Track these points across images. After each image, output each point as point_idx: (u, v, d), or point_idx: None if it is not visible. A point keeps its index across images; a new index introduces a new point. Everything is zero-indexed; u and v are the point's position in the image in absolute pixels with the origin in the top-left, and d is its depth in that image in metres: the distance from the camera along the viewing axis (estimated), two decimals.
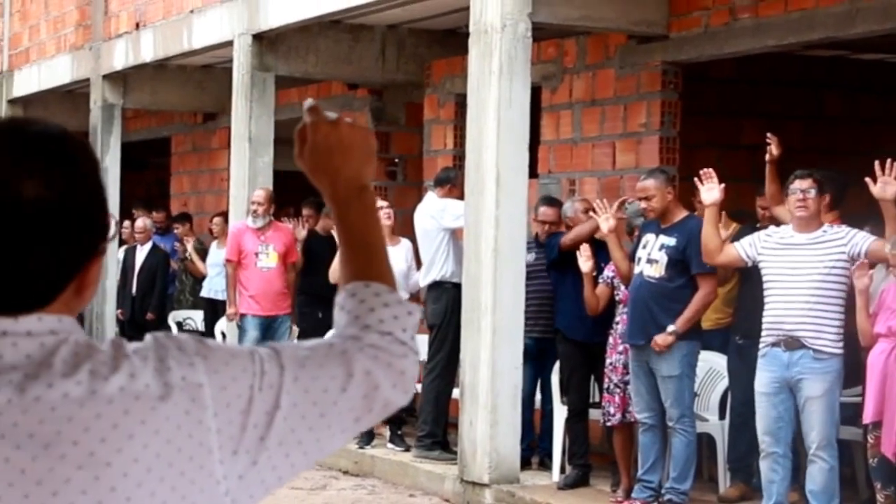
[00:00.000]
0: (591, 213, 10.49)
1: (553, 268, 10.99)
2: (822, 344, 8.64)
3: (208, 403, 1.93)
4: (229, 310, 13.78)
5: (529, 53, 10.92)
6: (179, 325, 16.72)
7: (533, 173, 11.97)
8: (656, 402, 9.60)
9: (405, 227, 12.73)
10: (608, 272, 10.33)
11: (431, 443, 12.05)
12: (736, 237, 9.55)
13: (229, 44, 14.85)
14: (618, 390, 10.11)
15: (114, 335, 14.12)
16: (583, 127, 12.59)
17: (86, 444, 1.85)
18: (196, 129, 19.74)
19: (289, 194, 15.11)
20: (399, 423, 12.70)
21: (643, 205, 9.75)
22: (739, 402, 9.84)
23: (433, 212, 12.13)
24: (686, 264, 9.46)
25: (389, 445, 12.58)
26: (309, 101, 2.25)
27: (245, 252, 13.58)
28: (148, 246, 16.96)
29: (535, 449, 11.65)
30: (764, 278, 8.95)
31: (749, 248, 9.01)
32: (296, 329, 13.81)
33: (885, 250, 8.46)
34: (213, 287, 15.85)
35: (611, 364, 10.17)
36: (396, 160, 15.72)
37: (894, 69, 13.45)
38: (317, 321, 13.76)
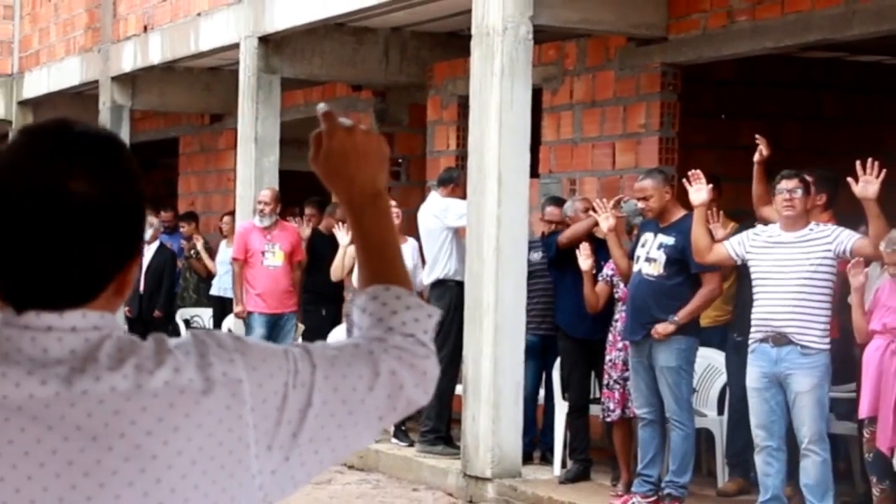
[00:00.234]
0: (590, 212, 10.51)
1: (553, 266, 11.02)
2: (808, 340, 8.69)
3: (247, 399, 1.96)
4: (236, 308, 13.80)
5: (530, 56, 10.94)
6: (187, 322, 16.75)
7: (534, 173, 12.00)
8: (655, 398, 9.62)
9: (409, 227, 12.75)
10: (608, 270, 10.35)
11: (435, 438, 12.07)
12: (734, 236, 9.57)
13: (236, 46, 14.87)
14: (617, 386, 10.14)
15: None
16: (583, 128, 12.61)
17: (132, 436, 1.87)
18: (203, 130, 19.77)
19: (293, 194, 15.12)
20: (403, 419, 12.70)
21: (641, 205, 9.77)
22: (737, 398, 9.86)
23: (436, 211, 12.16)
24: (684, 263, 9.48)
25: (394, 441, 12.60)
26: (322, 106, 2.26)
27: (252, 251, 13.61)
28: (155, 245, 16.99)
29: (537, 444, 11.68)
30: (752, 276, 9.02)
31: (738, 246, 9.07)
32: (301, 326, 13.83)
33: (879, 248, 8.51)
34: (222, 285, 15.88)
35: (610, 361, 10.20)
36: (400, 160, 15.74)
37: (891, 70, 13.45)
38: (320, 318, 13.79)
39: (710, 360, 10.51)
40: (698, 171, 9.33)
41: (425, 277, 12.29)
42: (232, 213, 16.12)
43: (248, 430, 1.95)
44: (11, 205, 1.90)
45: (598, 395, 10.68)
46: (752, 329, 8.94)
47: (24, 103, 21.29)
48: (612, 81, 12.31)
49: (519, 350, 10.85)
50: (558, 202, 11.49)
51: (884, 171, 8.53)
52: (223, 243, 16.42)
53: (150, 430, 1.88)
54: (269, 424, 1.98)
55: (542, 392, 11.63)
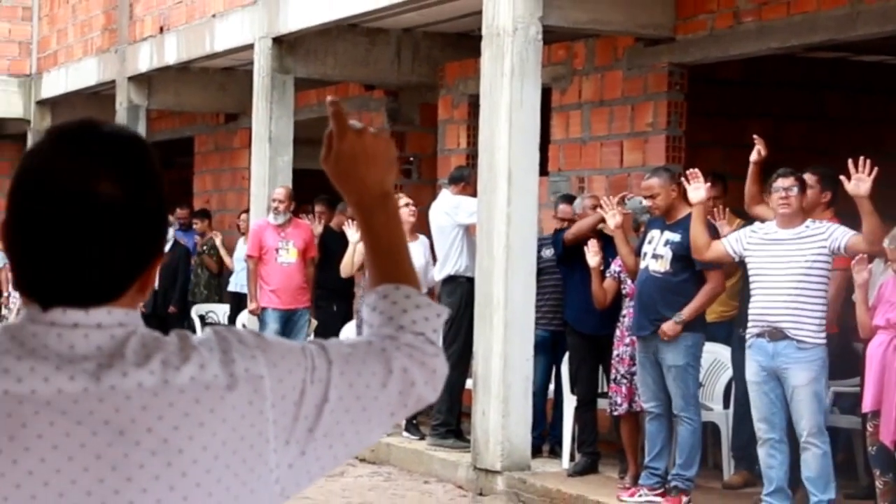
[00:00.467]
0: (597, 209, 10.50)
1: (561, 263, 11.02)
2: (804, 334, 8.73)
3: (268, 395, 1.97)
4: (250, 305, 13.82)
5: (540, 56, 10.95)
6: (202, 318, 16.77)
7: (543, 171, 12.00)
8: (662, 392, 9.62)
9: (420, 224, 12.76)
10: (615, 267, 10.36)
11: (445, 431, 12.08)
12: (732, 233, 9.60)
13: (250, 47, 14.89)
14: (625, 381, 10.14)
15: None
16: (592, 126, 12.62)
17: (159, 431, 1.89)
18: (218, 129, 19.79)
19: (307, 192, 15.14)
20: (414, 414, 12.72)
21: (647, 202, 9.79)
22: (743, 392, 9.84)
23: (448, 209, 12.17)
24: (691, 259, 9.48)
25: (405, 434, 12.62)
26: (331, 99, 2.27)
27: (266, 248, 13.64)
28: (169, 242, 17.05)
29: (546, 437, 11.69)
30: (749, 272, 9.07)
31: (735, 243, 9.11)
32: (314, 322, 13.84)
33: (873, 245, 8.57)
34: (239, 281, 15.88)
35: (618, 356, 10.20)
36: (411, 159, 15.77)
37: (895, 71, 13.45)
38: (332, 314, 13.81)
39: (716, 355, 10.51)
40: (696, 170, 9.38)
41: (436, 274, 12.30)
42: (249, 211, 16.15)
43: (268, 425, 1.97)
44: (38, 205, 1.91)
45: (605, 390, 10.69)
46: (749, 324, 9.00)
47: (42, 103, 21.33)
48: (620, 81, 12.32)
49: (528, 345, 10.86)
50: (570, 200, 11.49)
51: (876, 169, 8.54)
52: (241, 240, 16.45)
53: (176, 425, 1.90)
54: (288, 420, 2.00)
55: (551, 386, 11.63)
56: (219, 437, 1.92)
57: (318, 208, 15.00)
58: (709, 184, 9.36)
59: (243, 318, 14.74)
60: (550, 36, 11.43)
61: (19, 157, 2.03)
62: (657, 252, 9.61)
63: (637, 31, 11.79)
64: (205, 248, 17.57)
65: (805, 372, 8.72)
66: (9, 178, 2.00)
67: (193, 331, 2.13)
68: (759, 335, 8.92)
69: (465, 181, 12.14)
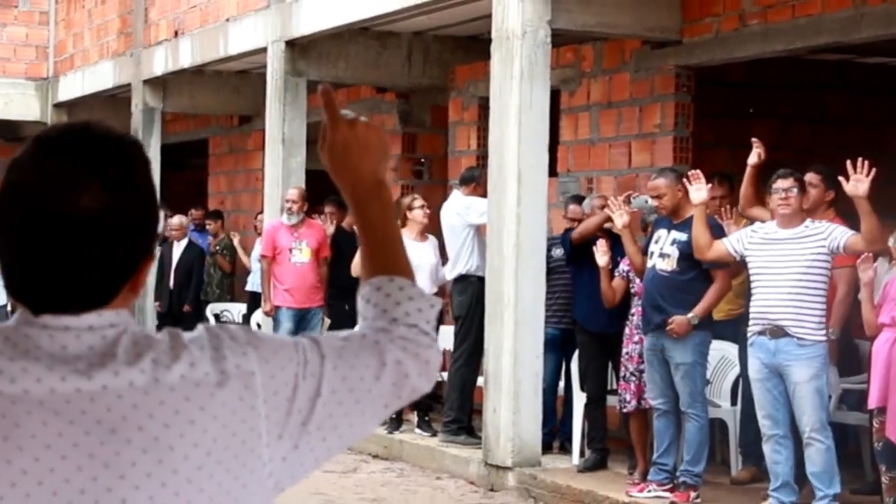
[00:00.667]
0: (605, 209, 10.50)
1: (570, 262, 11.03)
2: (804, 332, 8.76)
3: (259, 391, 1.97)
4: (264, 306, 13.83)
5: (549, 58, 10.95)
6: (217, 317, 16.80)
7: (553, 172, 12.00)
8: (670, 389, 9.63)
9: (431, 224, 12.77)
10: (624, 266, 10.36)
11: (457, 428, 12.09)
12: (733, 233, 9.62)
13: (263, 50, 14.91)
14: (634, 378, 10.14)
15: (151, 326, 14.23)
16: (600, 128, 12.62)
17: (150, 429, 1.88)
18: (232, 131, 19.80)
19: (319, 192, 15.15)
20: (426, 410, 12.75)
21: (654, 202, 9.80)
22: (750, 389, 9.86)
23: (459, 209, 12.18)
24: (697, 258, 9.49)
25: (417, 431, 12.63)
26: (321, 86, 2.27)
27: (280, 248, 13.66)
28: (184, 242, 17.12)
29: (556, 434, 11.69)
30: (750, 271, 9.12)
31: (736, 243, 9.15)
32: (327, 321, 13.86)
33: (871, 244, 8.60)
34: (256, 281, 15.90)
35: (627, 353, 10.20)
36: (423, 160, 15.78)
37: None
38: (344, 312, 13.81)
39: (724, 353, 10.51)
40: (698, 172, 9.44)
41: (448, 273, 12.32)
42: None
43: (260, 420, 1.96)
44: (23, 217, 1.90)
45: (615, 387, 10.69)
46: (751, 322, 9.05)
47: (59, 106, 21.36)
48: (627, 83, 12.32)
49: (538, 343, 10.87)
50: (580, 200, 11.49)
51: (874, 170, 8.55)
52: (258, 241, 16.49)
53: (167, 423, 1.89)
54: (280, 414, 1.99)
55: (561, 384, 11.64)
56: (209, 434, 1.91)
57: (328, 209, 15.01)
58: (710, 185, 9.39)
59: (257, 316, 14.78)
60: (559, 39, 11.44)
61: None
62: (664, 251, 9.62)
63: (644, 34, 11.79)
64: (218, 248, 17.61)
65: (806, 368, 8.74)
66: None
67: None
68: (760, 333, 8.96)
69: (476, 182, 12.15)
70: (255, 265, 16.15)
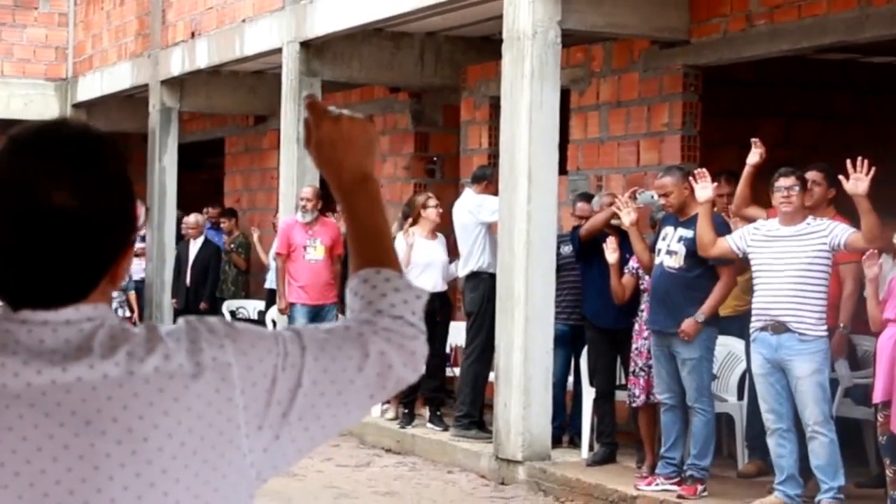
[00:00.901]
0: (613, 206, 10.49)
1: (580, 259, 11.03)
2: (805, 327, 8.80)
3: (236, 382, 1.96)
4: (279, 303, 13.85)
5: (559, 58, 10.96)
6: (233, 314, 16.83)
7: (563, 170, 12.02)
8: (677, 384, 9.64)
9: (443, 221, 12.78)
10: (633, 263, 10.37)
11: (469, 423, 12.10)
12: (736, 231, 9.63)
13: (278, 51, 14.93)
14: (642, 373, 10.15)
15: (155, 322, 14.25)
16: (609, 127, 12.63)
17: (124, 420, 1.89)
18: (248, 131, 19.84)
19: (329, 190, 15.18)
20: (438, 405, 12.76)
21: (661, 200, 9.81)
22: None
23: (471, 207, 12.20)
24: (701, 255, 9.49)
25: (429, 425, 12.64)
26: (306, 95, 2.28)
27: (294, 245, 13.68)
28: (200, 240, 17.17)
29: (566, 428, 11.70)
30: (752, 268, 9.15)
31: (739, 240, 9.18)
32: (341, 317, 13.85)
33: (874, 242, 8.61)
34: (273, 278, 15.94)
35: (636, 349, 10.21)
36: (435, 159, 15.80)
37: None
38: None
39: (731, 348, 10.52)
40: (704, 170, 9.46)
41: (460, 270, 12.34)
42: None
43: (237, 411, 1.96)
44: None
45: (624, 382, 10.70)
46: (753, 318, 9.09)
47: (77, 106, 21.42)
48: (636, 83, 12.32)
49: (548, 339, 10.88)
50: (588, 198, 11.50)
51: (874, 168, 8.56)
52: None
53: (141, 415, 1.89)
54: (260, 406, 1.98)
55: (571, 379, 11.64)
56: (184, 425, 1.91)
57: (339, 207, 15.02)
58: (717, 183, 9.42)
59: (272, 313, 14.82)
60: (569, 39, 11.45)
61: None
62: (671, 248, 9.64)
63: (653, 34, 11.79)
64: (232, 245, 17.65)
65: (807, 363, 8.78)
66: None
67: None
68: (762, 328, 8.99)
69: (488, 180, 12.17)
70: (272, 262, 16.18)
